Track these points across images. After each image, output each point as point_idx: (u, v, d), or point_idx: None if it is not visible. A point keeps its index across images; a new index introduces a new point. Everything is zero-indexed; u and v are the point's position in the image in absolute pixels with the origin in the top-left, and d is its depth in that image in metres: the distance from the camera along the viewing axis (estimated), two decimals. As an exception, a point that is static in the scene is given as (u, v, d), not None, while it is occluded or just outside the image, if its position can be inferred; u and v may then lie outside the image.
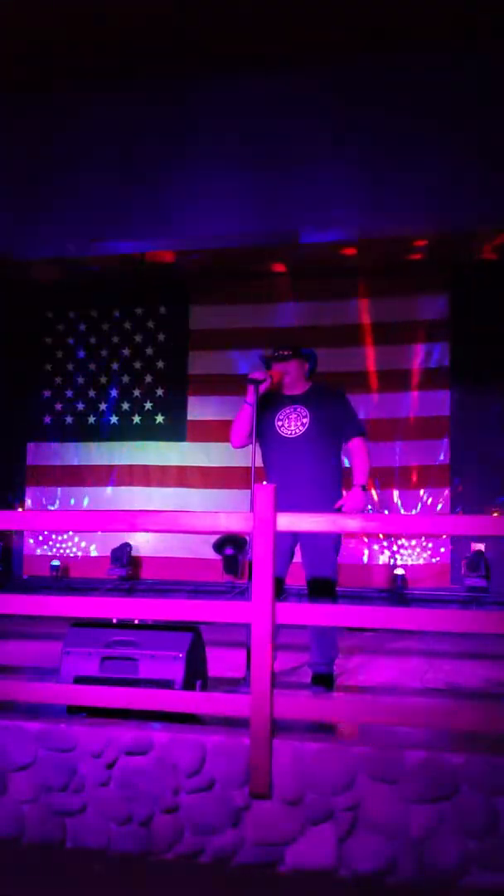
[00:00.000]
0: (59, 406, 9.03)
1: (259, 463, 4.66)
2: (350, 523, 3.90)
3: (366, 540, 8.00)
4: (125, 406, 8.86)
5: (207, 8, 5.04)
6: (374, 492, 7.97)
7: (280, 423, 4.74)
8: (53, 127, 5.90)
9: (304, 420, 4.71)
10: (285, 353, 4.79)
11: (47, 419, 9.04)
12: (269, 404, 4.79)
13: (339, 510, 4.59)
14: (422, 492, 8.02)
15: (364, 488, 4.70)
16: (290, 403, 4.78)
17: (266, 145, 5.50)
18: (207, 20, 5.13)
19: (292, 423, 4.73)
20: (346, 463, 4.88)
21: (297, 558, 4.72)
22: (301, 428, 4.70)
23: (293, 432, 4.71)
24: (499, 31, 5.05)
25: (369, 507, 7.59)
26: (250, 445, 4.66)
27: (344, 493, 4.73)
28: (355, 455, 4.78)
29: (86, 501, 8.84)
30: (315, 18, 5.06)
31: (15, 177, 5.93)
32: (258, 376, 4.65)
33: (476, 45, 5.17)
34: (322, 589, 4.61)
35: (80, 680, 3.88)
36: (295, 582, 4.93)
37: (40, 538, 8.88)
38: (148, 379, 8.82)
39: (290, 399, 4.80)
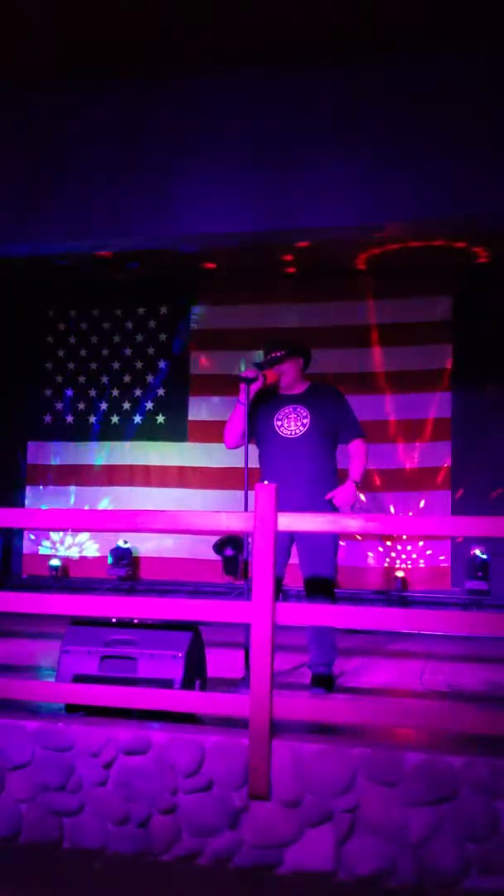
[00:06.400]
0: (59, 405, 9.00)
1: (253, 463, 4.61)
2: (351, 524, 3.87)
3: (360, 538, 7.97)
4: (126, 406, 8.83)
5: (211, 4, 5.03)
6: (361, 496, 7.92)
7: (279, 424, 4.71)
8: (54, 124, 5.89)
9: (305, 421, 4.69)
10: (278, 354, 4.73)
11: (48, 418, 9.01)
12: (268, 404, 4.76)
13: (330, 501, 4.58)
14: (423, 494, 7.99)
15: (357, 484, 4.68)
16: (290, 403, 4.75)
17: (269, 143, 5.48)
18: (211, 17, 5.12)
19: (292, 424, 4.70)
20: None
21: (294, 559, 4.69)
22: (301, 429, 4.68)
23: (293, 433, 4.68)
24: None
25: (359, 501, 7.53)
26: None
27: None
28: (354, 455, 4.77)
29: (84, 500, 8.81)
30: (319, 15, 5.04)
31: (15, 174, 5.92)
32: (249, 375, 4.62)
33: (484, 43, 5.14)
34: (321, 589, 4.58)
35: (78, 679, 3.86)
36: (294, 583, 4.91)
37: (39, 537, 8.85)
38: (149, 379, 8.80)
39: (290, 399, 4.77)
